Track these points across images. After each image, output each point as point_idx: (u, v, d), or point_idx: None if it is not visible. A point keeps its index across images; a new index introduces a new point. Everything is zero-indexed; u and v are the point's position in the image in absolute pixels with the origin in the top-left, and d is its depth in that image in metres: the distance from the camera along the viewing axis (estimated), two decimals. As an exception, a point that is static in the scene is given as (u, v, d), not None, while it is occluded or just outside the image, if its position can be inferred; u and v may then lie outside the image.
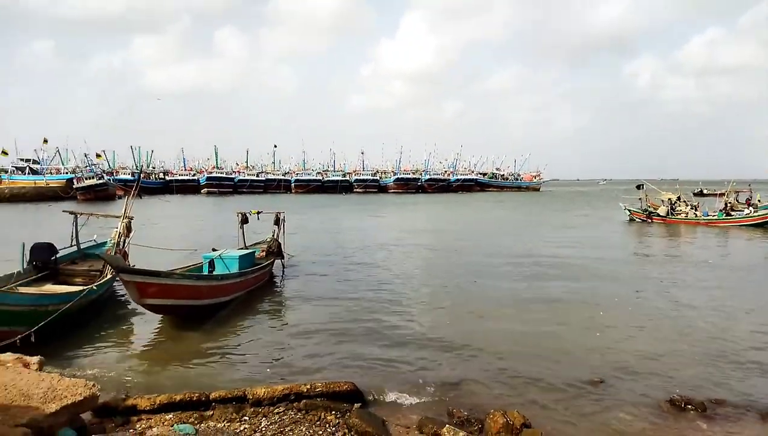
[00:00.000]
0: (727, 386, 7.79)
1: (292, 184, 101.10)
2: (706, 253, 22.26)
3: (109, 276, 12.11)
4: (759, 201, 36.01)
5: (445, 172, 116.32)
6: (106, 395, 6.55)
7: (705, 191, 65.30)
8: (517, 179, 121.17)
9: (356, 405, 6.61)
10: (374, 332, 10.39)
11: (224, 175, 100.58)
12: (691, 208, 34.48)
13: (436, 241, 25.95)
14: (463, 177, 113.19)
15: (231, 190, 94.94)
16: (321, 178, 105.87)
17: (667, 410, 7.00)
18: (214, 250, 14.71)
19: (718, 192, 40.50)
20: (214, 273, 12.80)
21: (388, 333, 10.29)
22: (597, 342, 9.90)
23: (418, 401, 7.19)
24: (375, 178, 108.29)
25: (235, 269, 13.15)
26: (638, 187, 38.35)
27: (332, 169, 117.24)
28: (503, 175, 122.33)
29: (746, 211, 33.35)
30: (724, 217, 32.81)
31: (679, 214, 34.16)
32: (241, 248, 15.96)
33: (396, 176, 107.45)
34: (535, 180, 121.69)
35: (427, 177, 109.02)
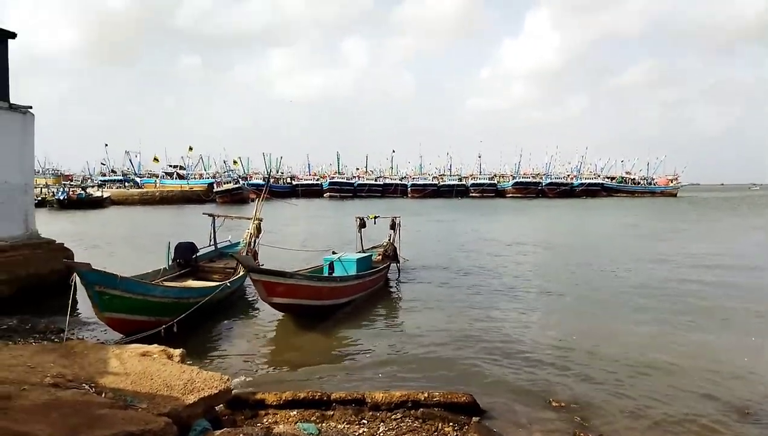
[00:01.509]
0: None
1: (409, 189, 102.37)
2: None
3: (241, 274, 13.01)
4: None
5: (568, 175, 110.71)
6: (237, 388, 6.97)
7: None
8: (650, 184, 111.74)
9: (475, 419, 6.37)
10: (493, 342, 10.01)
11: (345, 180, 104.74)
12: None
13: (558, 250, 24.65)
14: (587, 181, 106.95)
15: (351, 194, 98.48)
16: (437, 182, 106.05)
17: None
18: (334, 253, 15.21)
19: None
20: (334, 275, 13.23)
21: (508, 344, 9.86)
22: (747, 365, 8.67)
23: (541, 418, 6.76)
24: (492, 182, 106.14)
25: (353, 271, 13.48)
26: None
27: (448, 173, 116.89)
28: (634, 179, 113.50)
29: None
30: None
31: None
32: (359, 252, 16.35)
33: (515, 180, 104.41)
34: (671, 184, 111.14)
35: (548, 181, 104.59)
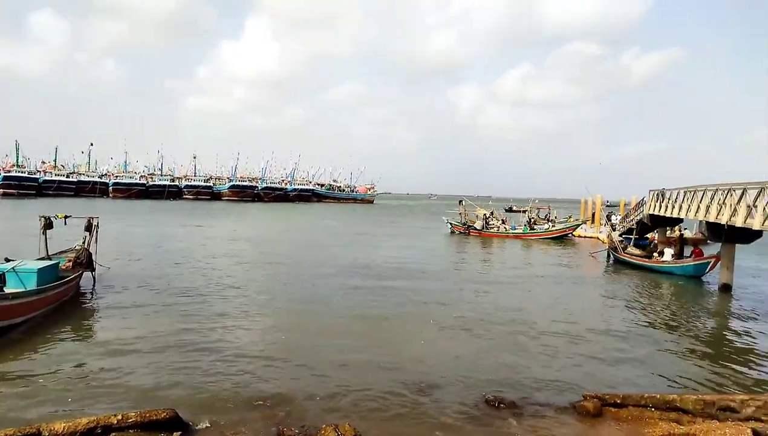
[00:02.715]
0: (533, 382, 8.74)
1: (110, 188, 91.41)
2: (514, 260, 25.10)
3: None
4: (555, 217, 41.85)
5: (283, 181, 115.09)
6: None
7: (514, 208, 73.79)
8: (353, 191, 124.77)
9: (176, 433, 6.03)
10: (197, 348, 9.67)
11: (26, 174, 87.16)
12: (501, 223, 38.70)
13: (269, 251, 25.37)
14: (300, 187, 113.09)
15: (34, 192, 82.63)
16: (145, 181, 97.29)
17: (485, 409, 7.59)
18: (7, 260, 12.51)
19: (523, 209, 46.19)
20: (5, 290, 10.81)
21: (213, 349, 9.67)
22: (423, 350, 10.43)
23: (246, 419, 6.81)
24: (208, 184, 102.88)
25: (32, 284, 11.29)
26: (460, 202, 41.97)
27: (159, 172, 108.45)
28: (340, 186, 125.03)
29: (546, 226, 38.45)
30: (528, 231, 37.42)
31: (492, 227, 38.06)
32: (42, 258, 13.81)
33: (231, 183, 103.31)
34: (369, 192, 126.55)
35: (264, 185, 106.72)
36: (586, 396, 7.78)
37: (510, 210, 69.41)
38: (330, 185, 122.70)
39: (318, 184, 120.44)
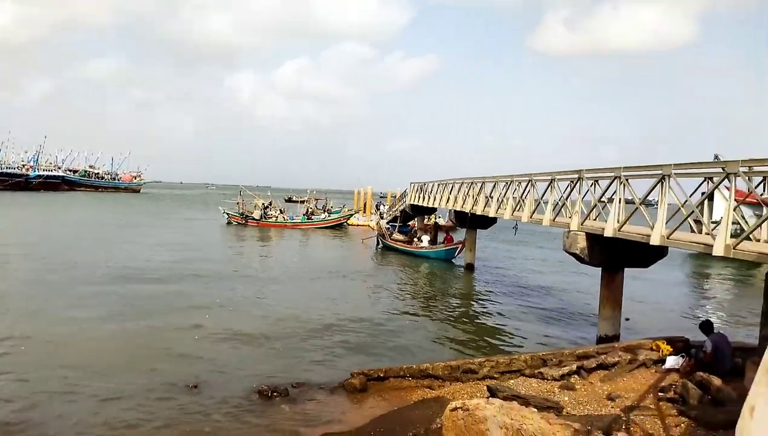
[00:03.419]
0: (305, 369, 8.95)
1: None
2: (291, 251, 25.44)
3: None
4: (332, 207, 43.66)
5: (24, 166, 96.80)
6: None
7: (294, 198, 74.66)
8: (114, 179, 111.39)
9: None
10: None
11: None
12: (280, 213, 38.85)
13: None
14: (46, 173, 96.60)
15: None
16: None
17: (257, 401, 7.50)
18: None
19: (302, 199, 46.99)
20: None
21: None
22: (195, 346, 9.87)
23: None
24: None
25: None
26: (240, 193, 40.65)
27: None
28: (98, 173, 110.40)
29: (323, 215, 39.85)
30: (306, 220, 38.30)
31: (271, 218, 37.93)
32: None
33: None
34: (135, 181, 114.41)
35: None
36: (352, 374, 8.28)
37: (289, 200, 70.03)
38: (85, 171, 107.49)
39: (70, 171, 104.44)
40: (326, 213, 40.57)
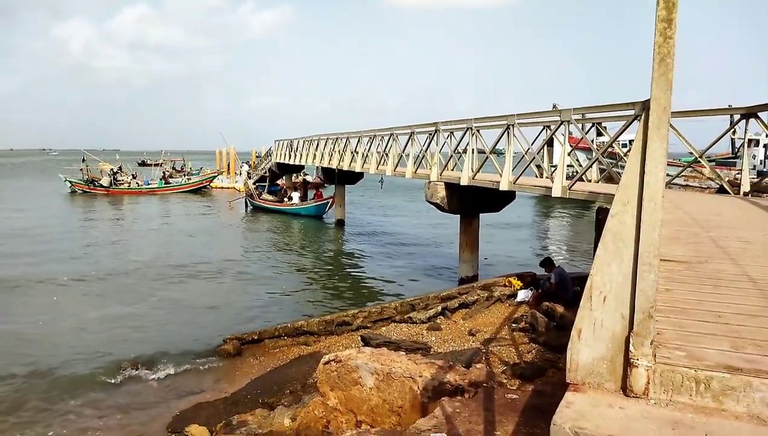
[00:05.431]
0: (175, 341, 8.53)
1: None
2: (149, 221, 23.64)
3: None
4: (191, 169, 41.09)
5: None
6: None
7: (147, 161, 68.64)
8: None
9: None
10: None
11: None
12: (132, 178, 35.64)
13: None
14: None
15: None
16: None
17: (123, 381, 7.04)
18: None
19: (157, 162, 43.50)
20: None
21: None
22: (40, 331, 8.90)
23: None
24: None
25: None
26: (83, 160, 36.47)
27: None
28: None
29: (182, 179, 37.38)
30: (164, 185, 35.67)
31: (122, 184, 34.66)
32: None
33: None
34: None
35: None
36: (225, 339, 8.10)
37: (143, 164, 64.40)
38: None
39: None
40: (186, 176, 38.14)
